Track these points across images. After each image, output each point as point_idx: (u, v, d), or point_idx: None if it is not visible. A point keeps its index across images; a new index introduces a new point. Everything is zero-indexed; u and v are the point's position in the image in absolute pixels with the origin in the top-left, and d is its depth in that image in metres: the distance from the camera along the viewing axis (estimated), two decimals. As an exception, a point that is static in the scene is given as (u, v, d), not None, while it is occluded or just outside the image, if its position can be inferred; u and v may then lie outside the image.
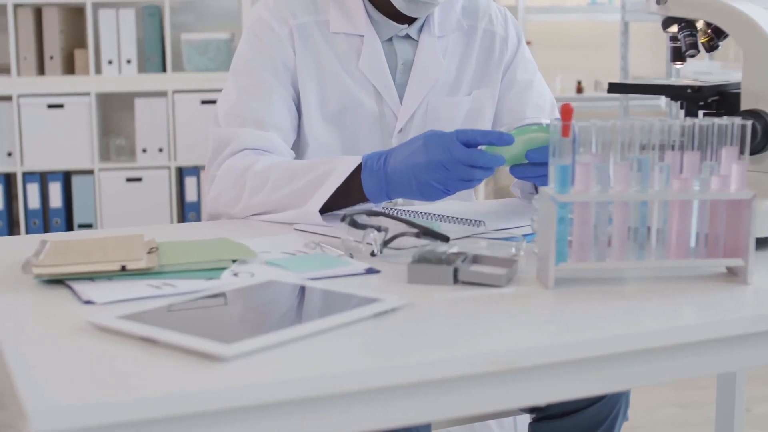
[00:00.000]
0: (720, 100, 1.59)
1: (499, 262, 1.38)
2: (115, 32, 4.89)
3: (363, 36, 1.91)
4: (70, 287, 1.32)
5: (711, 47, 1.61)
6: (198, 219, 5.07)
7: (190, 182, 5.02)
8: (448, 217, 1.65)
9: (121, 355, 1.07)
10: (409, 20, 1.93)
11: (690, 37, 1.59)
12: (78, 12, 5.00)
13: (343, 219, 1.52)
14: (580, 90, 5.50)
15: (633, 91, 1.69)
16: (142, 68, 4.97)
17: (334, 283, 1.32)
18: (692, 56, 1.59)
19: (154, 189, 4.98)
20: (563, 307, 1.24)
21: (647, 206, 1.32)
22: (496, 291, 1.30)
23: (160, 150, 4.98)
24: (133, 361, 1.05)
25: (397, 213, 1.66)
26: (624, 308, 1.24)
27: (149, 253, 1.40)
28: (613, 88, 1.66)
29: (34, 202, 4.88)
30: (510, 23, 2.05)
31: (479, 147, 1.59)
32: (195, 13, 5.24)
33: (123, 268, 1.34)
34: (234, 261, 1.41)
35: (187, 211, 5.06)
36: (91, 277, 1.34)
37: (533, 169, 1.63)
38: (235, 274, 1.37)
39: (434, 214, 1.67)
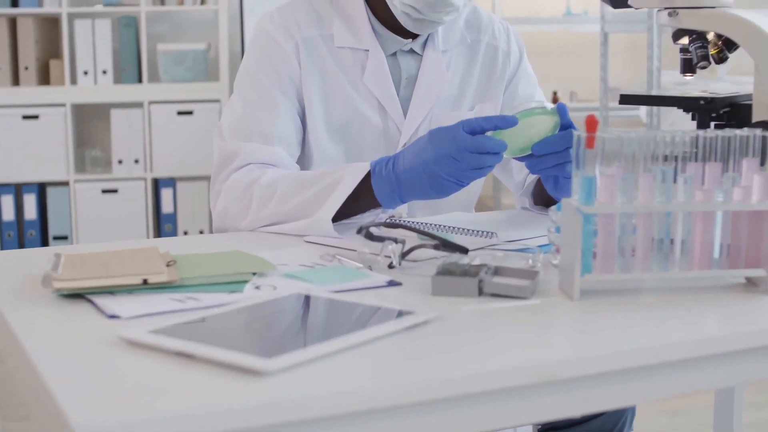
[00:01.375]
0: (731, 111, 1.59)
1: (521, 274, 1.37)
2: (91, 42, 4.86)
3: (368, 50, 1.91)
4: (90, 301, 1.30)
5: (720, 59, 1.62)
6: (174, 231, 5.04)
7: (166, 194, 4.99)
8: (460, 228, 1.65)
9: (158, 370, 1.06)
10: (414, 35, 1.93)
11: (701, 49, 1.60)
12: (53, 22, 4.96)
13: (359, 231, 1.51)
14: (555, 100, 5.53)
15: (645, 103, 1.70)
16: (118, 79, 4.94)
17: (359, 295, 1.32)
18: (703, 68, 1.60)
19: (130, 200, 4.95)
20: (593, 319, 1.24)
21: (671, 217, 1.32)
22: (521, 303, 1.30)
23: (136, 161, 4.95)
24: (172, 377, 1.04)
25: (411, 225, 1.65)
26: (651, 319, 1.25)
27: (168, 266, 1.38)
28: (625, 99, 1.67)
29: (9, 214, 4.83)
30: (512, 37, 2.06)
31: (486, 134, 1.60)
32: (171, 23, 5.22)
33: (145, 282, 1.32)
34: (254, 274, 1.40)
35: (163, 223, 5.03)
36: (111, 290, 1.32)
37: (546, 159, 1.64)
38: (257, 287, 1.36)
39: (446, 226, 1.67)
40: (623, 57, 5.65)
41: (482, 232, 1.64)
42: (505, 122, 1.59)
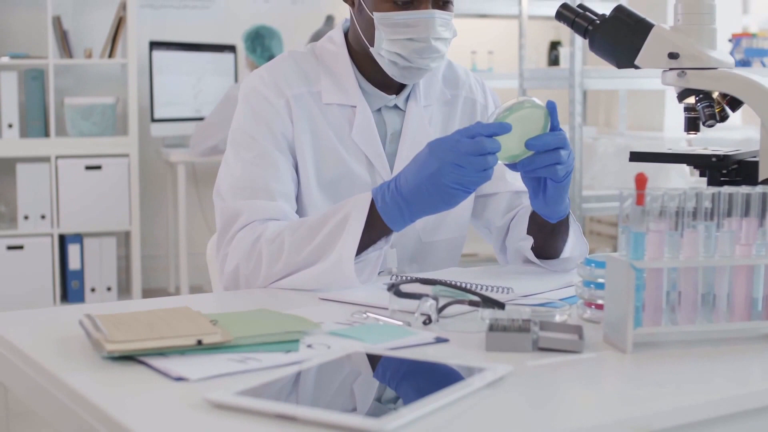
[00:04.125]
0: (738, 168, 1.66)
1: (565, 328, 1.40)
2: (-4, 96, 4.74)
3: (355, 106, 1.92)
4: (144, 363, 1.27)
5: (722, 117, 1.69)
6: (81, 287, 4.93)
7: (73, 250, 4.89)
8: (476, 285, 1.66)
9: (261, 433, 1.04)
10: (397, 90, 1.96)
11: (708, 108, 1.66)
12: (-44, 74, 4.83)
13: (389, 289, 1.51)
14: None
15: (655, 160, 1.75)
16: (24, 133, 4.83)
17: (416, 352, 1.32)
18: (710, 126, 1.66)
19: (35, 257, 4.83)
20: (657, 371, 1.27)
21: (715, 271, 1.37)
22: (576, 357, 1.32)
23: (43, 217, 4.84)
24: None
25: (442, 281, 1.65)
26: (711, 370, 1.29)
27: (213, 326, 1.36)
28: (635, 156, 1.72)
29: None
30: (488, 92, 2.10)
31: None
32: (79, 76, 5.14)
33: (199, 342, 1.30)
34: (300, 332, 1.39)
35: (69, 280, 4.91)
36: (162, 352, 1.30)
37: (539, 158, 1.67)
38: (309, 346, 1.35)
39: (461, 283, 1.68)
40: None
41: (499, 287, 1.66)
42: (502, 129, 1.63)
